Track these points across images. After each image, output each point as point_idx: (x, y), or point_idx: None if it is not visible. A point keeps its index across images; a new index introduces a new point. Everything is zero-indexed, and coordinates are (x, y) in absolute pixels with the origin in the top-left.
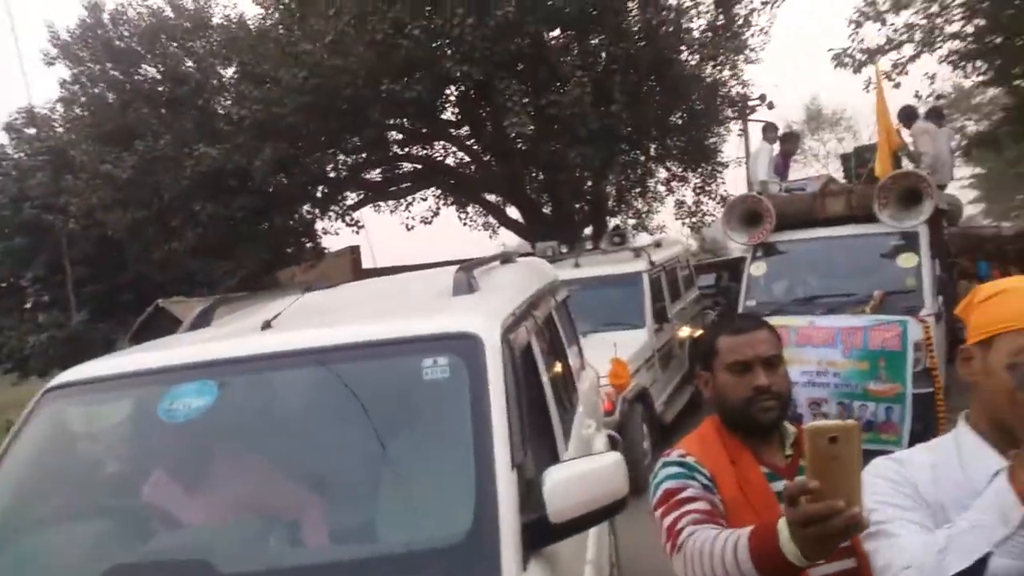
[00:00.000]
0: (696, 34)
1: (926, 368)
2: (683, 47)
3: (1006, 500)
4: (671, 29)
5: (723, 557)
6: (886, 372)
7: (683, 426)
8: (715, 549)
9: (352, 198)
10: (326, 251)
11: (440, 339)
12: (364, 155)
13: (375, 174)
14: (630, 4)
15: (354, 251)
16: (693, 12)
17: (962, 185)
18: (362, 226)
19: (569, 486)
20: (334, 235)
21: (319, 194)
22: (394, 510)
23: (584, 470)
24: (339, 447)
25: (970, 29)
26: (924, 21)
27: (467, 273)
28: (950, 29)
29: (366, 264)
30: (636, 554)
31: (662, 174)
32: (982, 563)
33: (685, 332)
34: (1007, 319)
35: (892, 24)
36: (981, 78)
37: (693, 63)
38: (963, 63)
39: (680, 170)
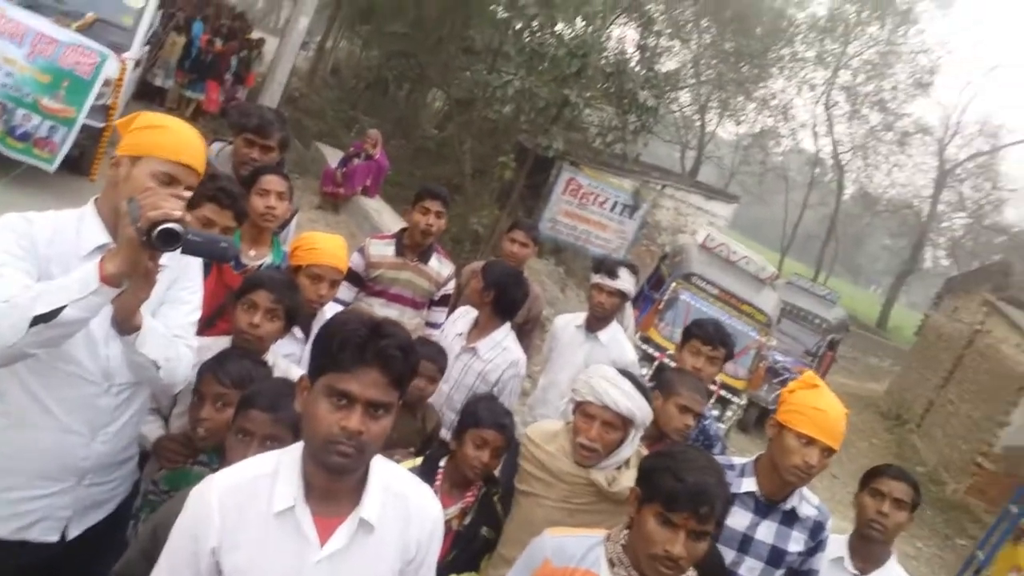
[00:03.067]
0: None
1: (107, 105)
2: None
3: (91, 274)
4: None
5: None
6: (66, 93)
7: None
8: None
9: None
10: None
11: None
12: None
13: None
14: None
15: None
16: None
17: None
18: None
19: None
20: None
21: None
22: None
23: None
24: None
25: None
26: None
27: None
28: None
29: None
30: None
31: None
32: (59, 310)
33: None
34: (155, 146)
35: None
36: None
37: None
38: None
39: None
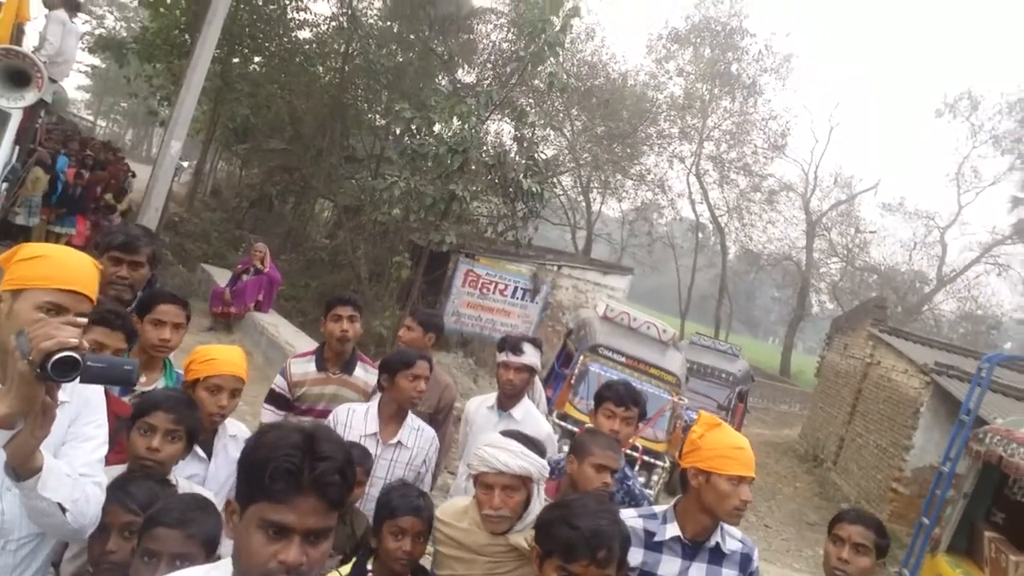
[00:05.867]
0: None
1: None
2: None
3: None
4: None
5: None
6: None
7: None
8: None
9: None
10: None
11: None
12: None
13: None
14: None
15: None
16: None
17: (78, 70)
18: None
19: None
20: None
21: None
22: None
23: None
24: None
25: None
26: None
27: None
28: None
29: None
30: None
31: None
32: None
33: None
34: (36, 277)
35: None
36: None
37: None
38: None
39: None
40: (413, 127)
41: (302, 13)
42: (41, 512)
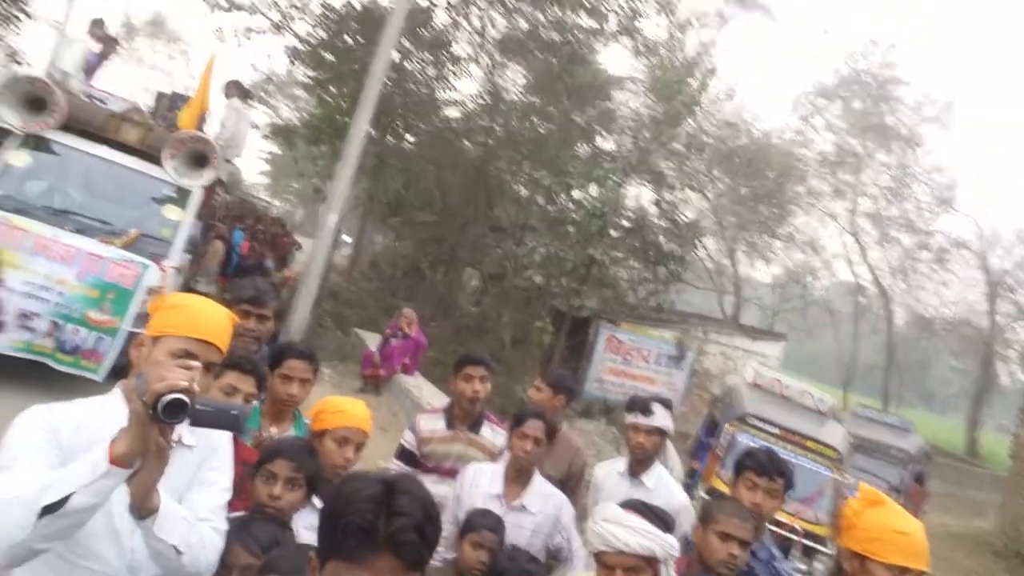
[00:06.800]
0: None
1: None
2: None
3: (101, 456)
4: None
5: None
6: (111, 305)
7: None
8: None
9: None
10: None
11: None
12: None
13: None
14: None
15: None
16: None
17: (257, 157)
18: None
19: None
20: None
21: None
22: None
23: None
24: None
25: (316, 35)
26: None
27: None
28: (300, 27)
29: None
30: None
31: None
32: (67, 498)
33: None
34: (173, 325)
35: None
36: (307, 80)
37: None
38: (297, 60)
39: None
40: (552, 193)
41: (450, 92)
42: (159, 553)
